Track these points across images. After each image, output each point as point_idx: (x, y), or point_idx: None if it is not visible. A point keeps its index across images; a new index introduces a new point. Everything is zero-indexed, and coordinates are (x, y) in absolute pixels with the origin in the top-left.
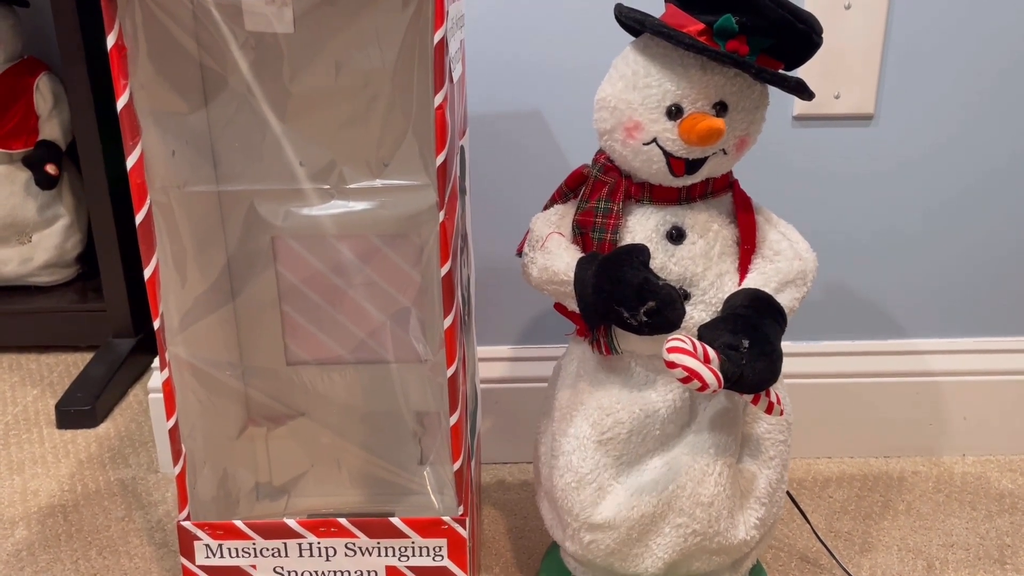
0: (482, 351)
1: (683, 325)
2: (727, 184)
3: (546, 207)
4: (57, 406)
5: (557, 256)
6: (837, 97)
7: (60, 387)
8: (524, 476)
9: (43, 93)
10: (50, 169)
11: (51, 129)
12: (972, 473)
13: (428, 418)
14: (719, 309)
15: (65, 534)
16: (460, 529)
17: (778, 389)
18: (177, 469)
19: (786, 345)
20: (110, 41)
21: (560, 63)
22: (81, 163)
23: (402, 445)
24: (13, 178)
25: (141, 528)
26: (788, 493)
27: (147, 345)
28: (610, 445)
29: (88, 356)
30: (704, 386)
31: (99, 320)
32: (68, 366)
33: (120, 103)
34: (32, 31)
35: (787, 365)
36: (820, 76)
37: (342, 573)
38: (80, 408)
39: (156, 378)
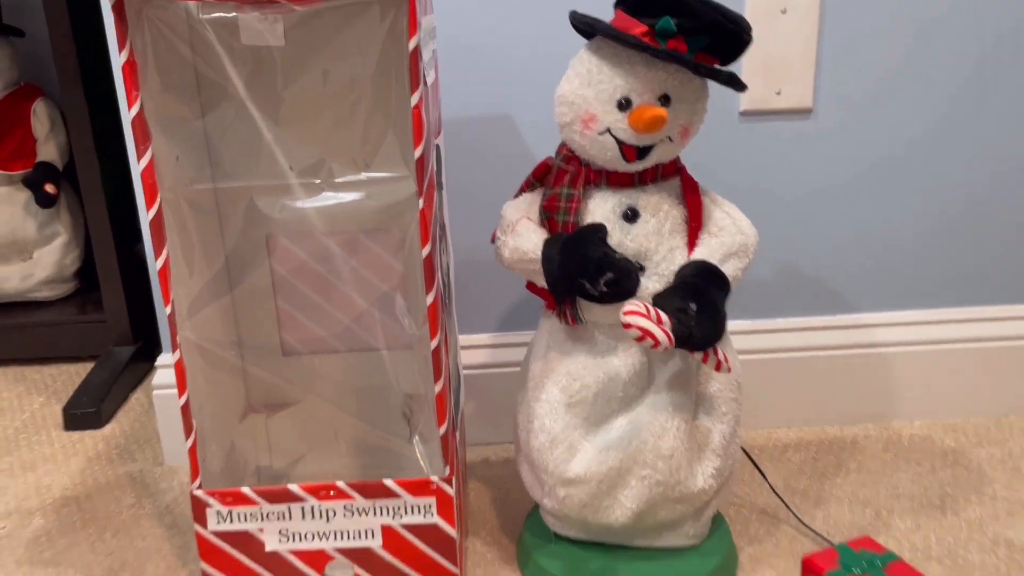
0: (464, 339)
1: (639, 295)
2: (675, 169)
3: (515, 196)
4: (64, 409)
5: (526, 238)
6: (778, 93)
7: (64, 394)
8: (507, 455)
9: (40, 117)
10: (49, 188)
11: (48, 151)
12: (919, 435)
13: (416, 400)
14: (671, 280)
15: (80, 521)
16: (447, 488)
17: (726, 350)
18: (189, 442)
19: (745, 323)
20: (123, 57)
21: (525, 67)
22: (80, 181)
23: (393, 425)
24: (13, 199)
25: (151, 513)
26: (746, 452)
27: (146, 352)
28: (578, 407)
29: (90, 366)
30: (656, 343)
31: (99, 331)
32: (71, 375)
33: (132, 112)
34: (27, 59)
35: (747, 342)
36: (762, 75)
37: (342, 533)
38: (86, 410)
39: (160, 376)
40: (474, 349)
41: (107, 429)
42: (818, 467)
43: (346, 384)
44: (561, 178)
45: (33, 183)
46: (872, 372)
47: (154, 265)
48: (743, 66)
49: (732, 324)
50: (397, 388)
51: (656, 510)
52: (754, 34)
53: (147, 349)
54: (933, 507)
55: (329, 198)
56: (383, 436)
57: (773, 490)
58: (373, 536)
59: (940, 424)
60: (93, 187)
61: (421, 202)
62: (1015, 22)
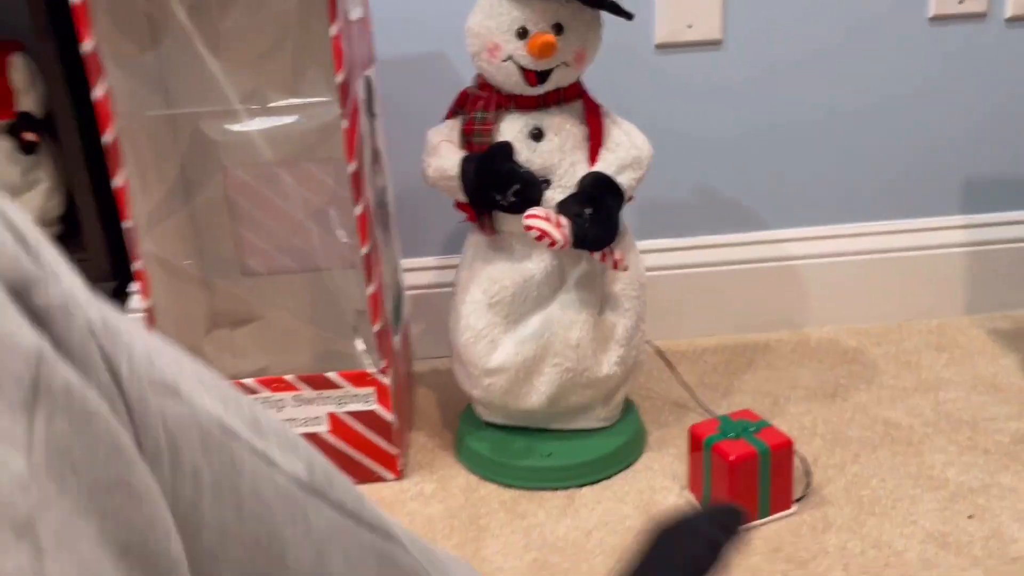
0: (411, 262)
1: (545, 204)
2: (577, 93)
3: (441, 123)
4: None
5: (446, 158)
6: (690, 27)
7: None
8: (451, 366)
9: (18, 69)
10: (29, 136)
11: (27, 102)
12: (826, 338)
13: (363, 314)
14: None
15: None
16: (383, 379)
17: (628, 253)
18: None
19: (668, 242)
20: (76, 1)
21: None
22: (58, 128)
23: (342, 336)
24: None
25: None
26: (659, 352)
27: (124, 288)
28: (498, 307)
29: None
30: (553, 242)
31: (81, 269)
32: None
33: (86, 48)
34: (3, 13)
35: (670, 259)
36: (673, 9)
37: (293, 420)
38: None
39: (134, 301)
40: (421, 271)
41: None
42: (731, 367)
43: (302, 300)
44: (476, 104)
45: (14, 132)
46: (785, 283)
47: (113, 185)
48: (655, 1)
49: (657, 242)
50: (344, 304)
51: (568, 395)
52: None
53: (125, 285)
54: (826, 396)
55: (265, 122)
56: (333, 339)
57: (679, 379)
58: (321, 423)
59: (846, 329)
60: (70, 134)
61: (345, 123)
62: None
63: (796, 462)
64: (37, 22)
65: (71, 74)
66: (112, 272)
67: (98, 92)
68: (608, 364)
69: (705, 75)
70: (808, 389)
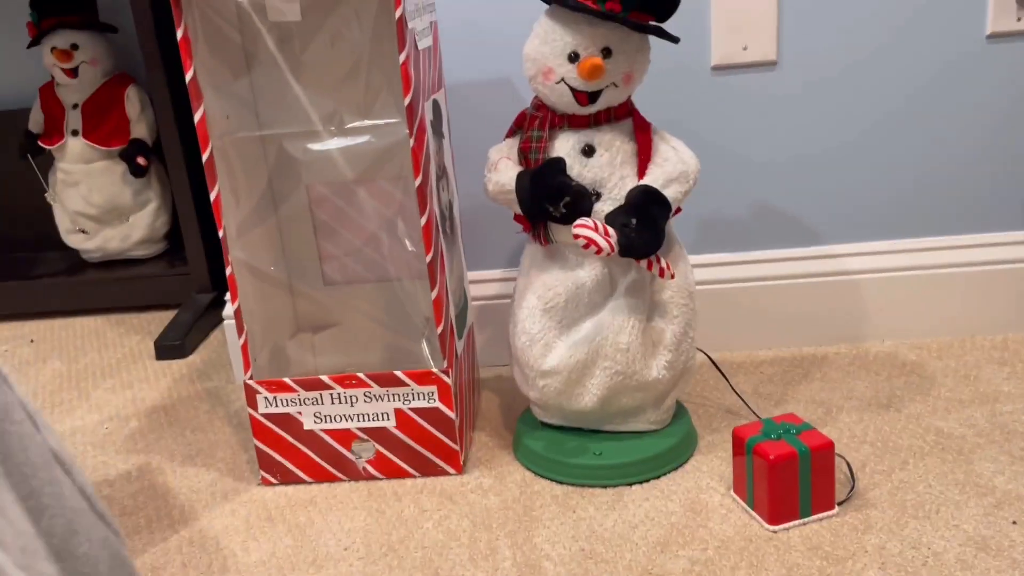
0: (477, 275)
1: (595, 215)
2: (628, 112)
3: (501, 142)
4: (155, 343)
5: (504, 173)
6: (745, 49)
7: (156, 333)
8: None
9: (132, 101)
10: (141, 161)
11: (140, 129)
12: (885, 351)
13: (430, 321)
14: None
15: (166, 422)
16: (445, 378)
17: (676, 262)
18: (241, 340)
19: (727, 256)
20: (179, 35)
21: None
22: (165, 153)
23: (412, 339)
24: (112, 171)
25: (223, 416)
26: (712, 361)
27: (222, 299)
28: (552, 312)
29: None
30: (599, 250)
31: (184, 282)
32: (162, 320)
33: (188, 77)
34: (120, 51)
35: (729, 272)
36: (729, 32)
37: (363, 415)
38: (173, 343)
39: (228, 310)
40: (487, 283)
41: (190, 359)
42: (786, 378)
43: (377, 307)
44: (532, 123)
45: (128, 157)
46: (844, 298)
47: (209, 198)
48: (711, 25)
49: (716, 256)
50: (416, 313)
51: (619, 397)
52: None
53: (223, 296)
54: (880, 406)
55: (342, 141)
56: (404, 343)
57: (730, 385)
58: (388, 418)
59: (907, 343)
60: (177, 159)
61: (412, 142)
62: None
63: (840, 465)
64: (148, 56)
65: (177, 102)
66: (212, 284)
67: (197, 115)
68: (657, 368)
69: (761, 94)
70: (862, 399)
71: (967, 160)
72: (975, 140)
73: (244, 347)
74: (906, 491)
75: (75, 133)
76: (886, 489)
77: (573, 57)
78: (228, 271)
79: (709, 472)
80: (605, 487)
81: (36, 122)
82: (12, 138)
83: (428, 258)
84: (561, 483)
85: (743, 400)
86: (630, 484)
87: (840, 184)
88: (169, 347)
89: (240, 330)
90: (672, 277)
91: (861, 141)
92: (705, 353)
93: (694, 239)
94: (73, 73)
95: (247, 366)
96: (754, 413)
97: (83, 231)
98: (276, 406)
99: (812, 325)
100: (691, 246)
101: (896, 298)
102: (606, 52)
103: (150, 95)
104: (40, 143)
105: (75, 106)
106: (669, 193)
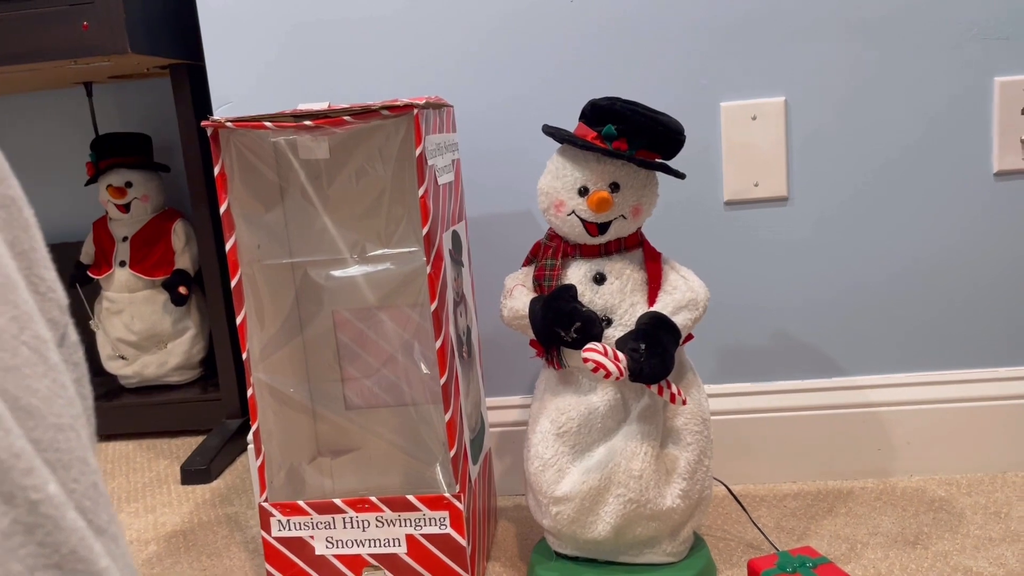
0: (496, 401)
1: (606, 341)
2: (638, 242)
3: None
4: (181, 467)
5: (519, 299)
6: (756, 185)
7: (184, 459)
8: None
9: (178, 234)
10: (182, 290)
11: (184, 261)
12: (913, 487)
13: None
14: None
15: (184, 547)
16: (457, 503)
17: (690, 388)
18: (259, 462)
19: (747, 385)
20: (216, 170)
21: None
22: (204, 284)
23: (428, 464)
24: (155, 300)
25: (239, 542)
26: (732, 494)
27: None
28: (565, 437)
29: None
30: (608, 374)
31: (216, 407)
32: (192, 445)
33: (222, 209)
34: (170, 187)
35: (750, 402)
36: (740, 170)
37: (375, 540)
38: (199, 468)
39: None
40: (506, 409)
41: (215, 484)
42: (810, 512)
43: (396, 431)
44: (547, 252)
45: (170, 286)
46: (869, 431)
47: (235, 322)
48: (723, 163)
49: (737, 386)
50: (429, 436)
51: (633, 527)
52: (731, 137)
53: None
54: (907, 543)
55: (363, 268)
56: (421, 467)
57: (749, 517)
58: (400, 544)
59: (936, 479)
60: (214, 287)
61: (429, 268)
62: (947, 98)
63: None
64: (195, 192)
65: (218, 234)
66: (241, 410)
67: (228, 244)
68: (671, 497)
69: (773, 229)
70: (888, 536)
71: (992, 291)
72: (987, 276)
73: (261, 469)
74: None
75: (123, 264)
76: None
77: (583, 191)
78: (249, 392)
79: None
80: None
81: (87, 254)
82: (66, 269)
83: (442, 380)
84: None
85: (762, 532)
86: None
87: (861, 316)
88: (194, 472)
89: (258, 452)
90: (684, 403)
91: (877, 276)
92: (724, 483)
93: (714, 369)
94: (125, 208)
95: (263, 488)
96: (773, 546)
97: (123, 357)
98: (289, 529)
99: (837, 458)
100: (712, 376)
101: (924, 432)
102: (614, 187)
103: (195, 226)
104: (89, 273)
105: (124, 239)
106: (678, 320)
